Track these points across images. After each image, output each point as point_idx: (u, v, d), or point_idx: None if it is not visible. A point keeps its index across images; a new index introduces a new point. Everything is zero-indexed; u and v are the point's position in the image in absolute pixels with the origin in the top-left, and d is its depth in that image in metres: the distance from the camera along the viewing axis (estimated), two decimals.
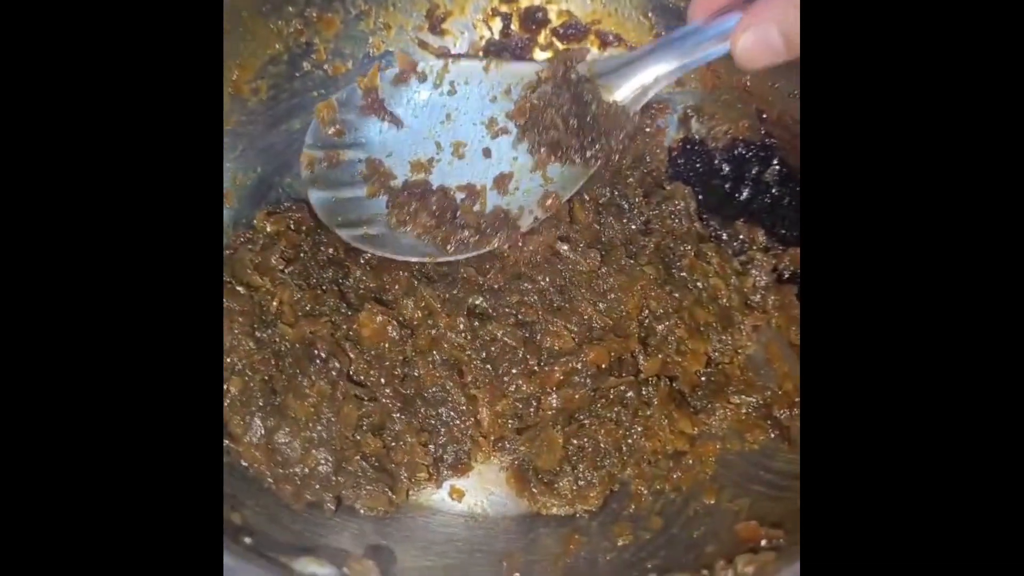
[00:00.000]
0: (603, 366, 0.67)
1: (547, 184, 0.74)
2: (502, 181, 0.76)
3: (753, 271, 0.78)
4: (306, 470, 0.62)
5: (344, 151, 0.78)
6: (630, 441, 0.67)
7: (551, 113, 0.73)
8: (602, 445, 0.66)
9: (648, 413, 0.67)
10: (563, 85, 0.73)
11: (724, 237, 0.82)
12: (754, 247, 0.80)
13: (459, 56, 0.86)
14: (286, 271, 0.71)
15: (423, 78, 0.80)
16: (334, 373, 0.65)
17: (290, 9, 0.81)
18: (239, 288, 0.69)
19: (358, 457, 0.63)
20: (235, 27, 0.78)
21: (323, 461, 0.62)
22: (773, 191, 0.83)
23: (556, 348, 0.68)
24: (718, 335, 0.73)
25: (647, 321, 0.72)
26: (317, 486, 0.62)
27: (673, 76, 0.70)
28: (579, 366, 0.66)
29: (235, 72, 0.80)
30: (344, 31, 0.86)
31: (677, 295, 0.73)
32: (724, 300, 0.74)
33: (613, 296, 0.71)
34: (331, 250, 0.76)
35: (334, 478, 0.63)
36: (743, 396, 0.72)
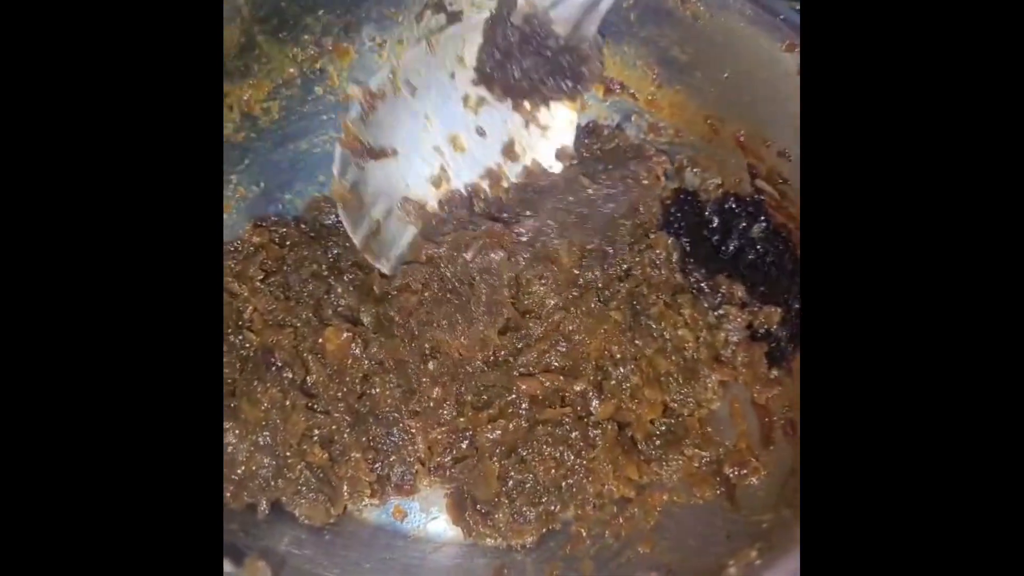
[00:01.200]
0: (538, 396, 0.67)
1: (545, 131, 0.75)
2: (509, 150, 0.76)
3: (727, 326, 0.77)
4: (247, 472, 0.64)
5: (367, 197, 0.80)
6: (571, 481, 0.67)
7: (513, 64, 0.72)
8: (541, 482, 0.66)
9: (592, 455, 0.67)
10: (511, 28, 0.72)
11: (705, 289, 0.82)
12: (732, 302, 0.79)
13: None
14: (265, 282, 0.74)
15: (382, 95, 0.79)
16: (286, 383, 0.67)
17: (306, 37, 0.86)
18: None
19: (302, 466, 0.65)
20: (251, 50, 0.83)
21: (265, 466, 0.64)
22: (758, 248, 0.83)
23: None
24: (679, 387, 0.72)
25: (606, 366, 0.72)
26: (255, 488, 0.64)
27: None
28: (512, 398, 0.67)
29: (248, 92, 0.85)
30: (358, 61, 0.90)
31: (639, 342, 0.73)
32: (691, 352, 0.74)
33: (578, 338, 0.71)
34: (315, 266, 0.79)
35: (273, 483, 0.65)
36: (697, 449, 0.71)
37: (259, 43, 0.83)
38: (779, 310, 0.78)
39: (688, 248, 0.85)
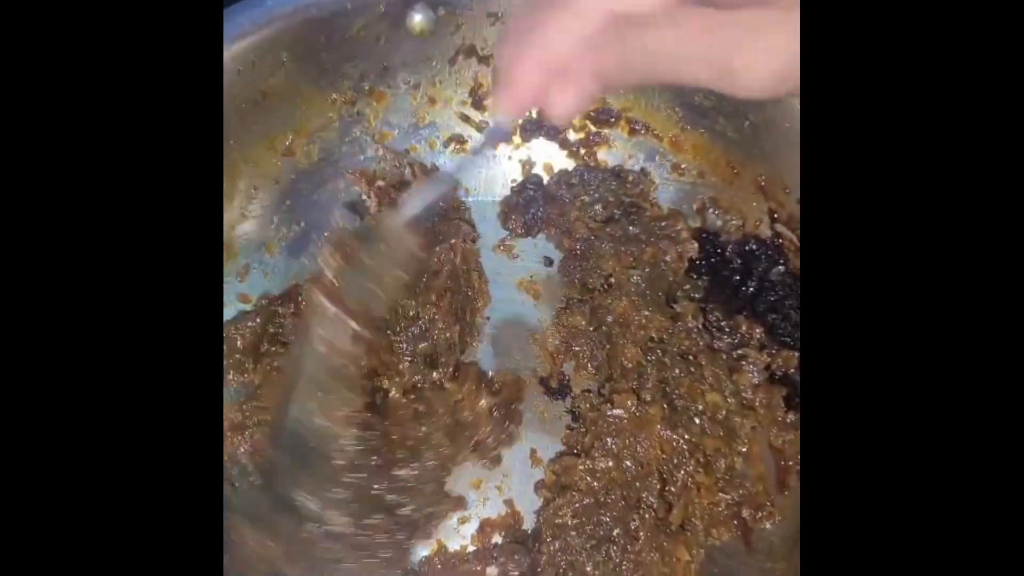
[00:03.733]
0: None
1: None
2: None
3: (746, 367, 0.80)
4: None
5: None
6: None
7: None
8: None
9: (638, 548, 0.67)
10: None
11: (725, 329, 0.85)
12: (750, 344, 0.82)
13: None
14: None
15: None
16: None
17: (345, 83, 0.90)
18: None
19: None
20: (294, 97, 0.87)
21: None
22: (777, 290, 0.85)
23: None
24: (725, 457, 0.72)
25: (665, 471, 0.71)
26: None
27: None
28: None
29: (290, 137, 0.89)
30: (394, 103, 0.94)
31: (688, 436, 0.72)
32: (723, 412, 0.75)
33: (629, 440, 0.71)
34: None
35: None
36: (722, 493, 0.74)
37: (301, 90, 0.87)
38: (796, 354, 0.80)
39: (708, 287, 0.88)
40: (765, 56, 0.51)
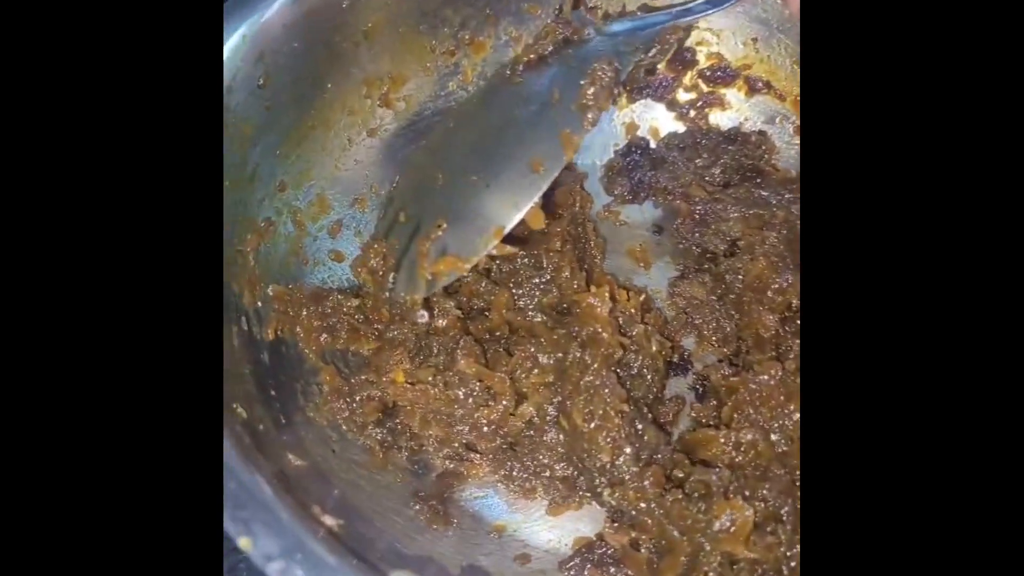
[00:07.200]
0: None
1: None
2: None
3: None
4: None
5: None
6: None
7: None
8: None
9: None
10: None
11: None
12: None
13: None
14: None
15: None
16: None
17: (445, 30, 0.83)
18: None
19: None
20: (393, 43, 0.80)
21: None
22: None
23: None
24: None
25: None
26: None
27: None
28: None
29: (386, 86, 0.82)
30: (492, 56, 0.87)
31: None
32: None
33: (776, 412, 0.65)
34: None
35: None
36: None
37: (400, 35, 0.81)
38: None
39: None
40: None
